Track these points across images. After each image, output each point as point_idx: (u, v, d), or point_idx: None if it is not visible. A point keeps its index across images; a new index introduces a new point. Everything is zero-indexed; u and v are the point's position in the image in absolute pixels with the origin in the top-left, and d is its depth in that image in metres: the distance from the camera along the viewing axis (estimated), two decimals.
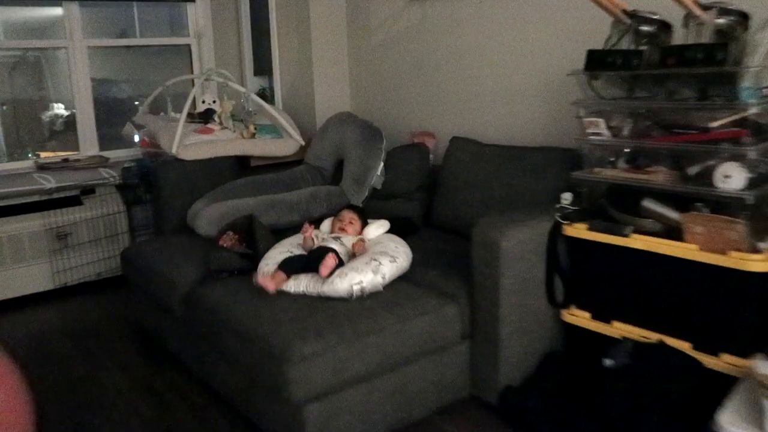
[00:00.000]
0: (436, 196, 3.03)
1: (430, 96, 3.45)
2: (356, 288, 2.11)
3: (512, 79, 2.98)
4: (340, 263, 2.22)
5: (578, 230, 2.14)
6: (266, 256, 2.38)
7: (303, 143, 3.64)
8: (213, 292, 2.36)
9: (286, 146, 3.61)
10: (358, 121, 3.42)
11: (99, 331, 3.21)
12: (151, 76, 4.20)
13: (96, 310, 3.48)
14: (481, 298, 2.17)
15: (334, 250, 2.25)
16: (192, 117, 3.62)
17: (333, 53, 3.91)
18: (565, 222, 2.17)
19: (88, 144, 4.09)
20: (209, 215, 2.96)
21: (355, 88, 3.97)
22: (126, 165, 3.85)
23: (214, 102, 3.63)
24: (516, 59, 2.95)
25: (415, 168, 3.18)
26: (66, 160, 3.94)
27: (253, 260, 2.52)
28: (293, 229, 2.99)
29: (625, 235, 2.01)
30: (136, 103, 4.41)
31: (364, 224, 2.54)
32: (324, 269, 2.11)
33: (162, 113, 4.05)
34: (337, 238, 2.39)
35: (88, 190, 3.75)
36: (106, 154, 4.07)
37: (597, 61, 2.03)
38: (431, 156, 3.23)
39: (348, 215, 2.53)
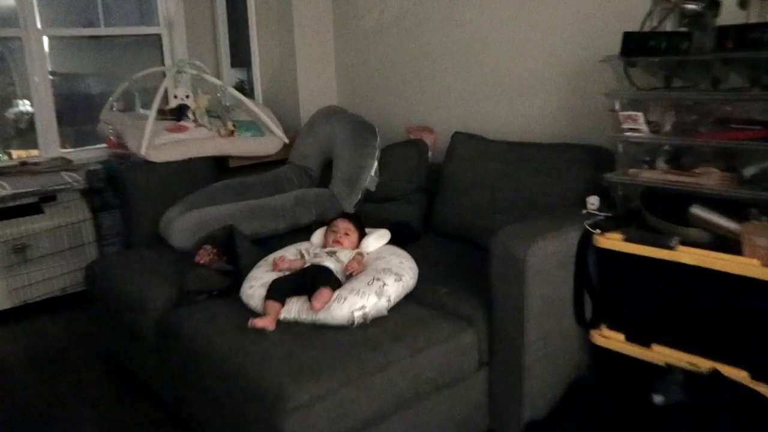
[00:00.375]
0: (437, 199, 2.73)
1: (427, 86, 3.14)
2: (358, 315, 1.81)
3: (522, 67, 2.68)
4: (337, 283, 1.92)
5: (612, 241, 1.85)
6: (250, 276, 2.06)
7: (287, 141, 3.32)
8: (190, 317, 2.04)
9: (268, 145, 3.30)
10: (348, 115, 3.10)
11: (63, 357, 2.87)
12: (125, 70, 3.85)
13: (60, 332, 3.13)
14: (501, 321, 1.88)
15: (329, 270, 1.94)
16: (163, 114, 3.28)
17: (318, 41, 3.58)
18: (595, 231, 1.88)
19: (49, 145, 3.72)
20: (184, 225, 2.64)
21: (343, 80, 3.65)
22: (91, 168, 3.50)
23: (187, 97, 3.29)
24: (527, 44, 2.64)
25: (412, 167, 2.87)
26: (24, 163, 3.57)
27: (234, 278, 2.21)
28: (277, 238, 2.70)
29: (671, 248, 1.73)
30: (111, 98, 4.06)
31: (362, 235, 2.24)
32: (317, 303, 1.81)
33: (131, 110, 3.71)
34: (331, 254, 2.08)
35: (49, 197, 3.39)
36: (71, 154, 3.71)
37: (636, 46, 1.74)
38: (430, 153, 2.92)
39: (343, 226, 2.22)
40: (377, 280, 1.90)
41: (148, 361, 2.31)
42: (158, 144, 3.00)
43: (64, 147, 3.80)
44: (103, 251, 3.55)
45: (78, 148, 3.84)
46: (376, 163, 2.89)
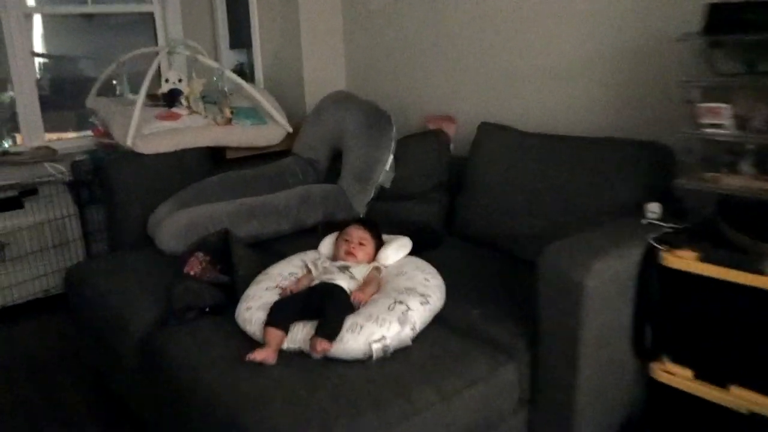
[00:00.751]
0: (461, 198, 2.41)
1: (448, 71, 2.80)
2: (377, 347, 1.50)
3: (561, 47, 2.34)
4: (350, 308, 1.60)
5: (684, 260, 1.53)
6: (247, 294, 1.75)
7: (290, 130, 3.00)
8: (177, 342, 1.73)
9: (269, 134, 2.98)
10: (360, 102, 2.77)
11: (41, 371, 2.57)
12: (119, 52, 3.54)
13: (40, 341, 2.84)
14: (549, 354, 1.57)
15: (341, 290, 1.63)
16: (154, 99, 2.96)
17: (325, 19, 3.25)
18: (662, 248, 1.56)
19: (33, 132, 3.40)
20: (174, 227, 2.33)
21: (352, 62, 3.31)
22: (77, 158, 3.19)
23: (180, 81, 2.96)
24: (567, 19, 2.30)
25: (432, 161, 2.55)
26: (5, 153, 3.26)
27: (229, 292, 1.90)
28: (281, 240, 2.40)
29: (763, 273, 1.41)
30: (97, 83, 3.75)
31: (379, 245, 1.92)
32: (315, 352, 1.51)
33: (119, 95, 3.39)
34: (344, 269, 1.76)
35: (30, 190, 3.08)
36: (58, 143, 3.39)
37: (726, 21, 1.41)
38: (451, 146, 2.60)
39: (357, 234, 1.91)
40: (399, 304, 1.58)
41: (132, 383, 2.00)
42: (147, 133, 2.69)
43: (65, 131, 3.49)
44: (91, 249, 3.25)
45: (70, 133, 3.53)
46: (391, 157, 2.56)
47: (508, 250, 2.16)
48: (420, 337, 1.60)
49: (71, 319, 2.51)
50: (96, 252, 3.23)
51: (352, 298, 1.63)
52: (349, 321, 1.53)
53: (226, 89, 3.09)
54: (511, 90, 2.54)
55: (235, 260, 1.95)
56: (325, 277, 1.71)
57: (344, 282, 1.69)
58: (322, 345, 1.48)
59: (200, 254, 2.01)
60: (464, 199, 2.40)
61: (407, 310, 1.57)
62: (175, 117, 2.83)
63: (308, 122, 2.93)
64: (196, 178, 2.66)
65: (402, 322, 1.54)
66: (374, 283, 1.72)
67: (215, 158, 2.87)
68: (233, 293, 1.89)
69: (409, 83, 2.99)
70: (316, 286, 1.69)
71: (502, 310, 1.75)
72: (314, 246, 2.05)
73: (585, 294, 1.46)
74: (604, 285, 1.48)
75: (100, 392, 2.38)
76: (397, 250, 1.89)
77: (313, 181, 2.83)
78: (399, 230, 2.23)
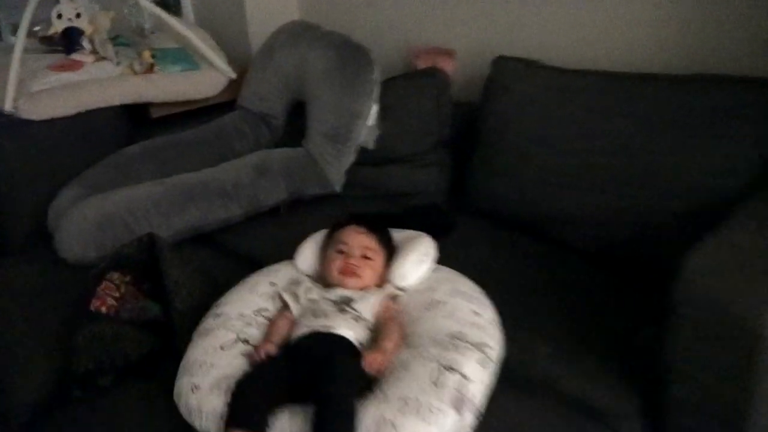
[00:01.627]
0: (475, 161, 1.79)
1: None
2: None
3: None
4: (362, 379, 0.98)
5: None
6: (191, 360, 1.08)
7: (233, 76, 2.33)
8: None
9: (205, 83, 2.29)
10: (326, 35, 2.08)
11: None
12: None
13: None
14: (693, 424, 0.98)
15: (344, 346, 1.01)
16: (48, 43, 2.21)
17: None
18: None
19: None
20: (77, 225, 1.67)
21: None
22: None
23: (78, 16, 2.19)
24: None
25: (429, 112, 1.93)
26: None
27: (165, 332, 1.26)
28: (232, 231, 1.77)
29: None
30: None
31: (389, 254, 1.28)
32: None
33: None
34: (343, 303, 1.12)
35: None
36: None
37: None
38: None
39: (358, 241, 1.25)
40: (449, 371, 0.95)
41: None
42: (36, 91, 1.97)
43: None
44: None
45: None
46: (375, 107, 1.91)
47: (546, 231, 1.57)
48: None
49: None
50: None
51: (364, 363, 1.00)
52: (370, 416, 0.90)
53: (145, 26, 2.39)
54: (532, 9, 1.88)
55: (170, 285, 1.29)
56: (316, 324, 1.07)
57: (347, 328, 1.05)
58: None
59: (115, 275, 1.35)
60: (478, 162, 1.77)
61: (463, 382, 0.95)
62: (76, 66, 2.11)
63: (256, 65, 2.23)
64: (110, 149, 1.99)
65: (459, 405, 0.92)
66: (394, 327, 1.09)
67: (135, 120, 2.18)
68: (170, 334, 1.25)
69: (388, 5, 2.28)
70: (303, 343, 1.04)
71: (578, 342, 1.16)
72: (279, 239, 1.45)
73: (762, 341, 0.87)
74: None
75: None
76: (418, 263, 1.24)
77: (269, 144, 2.17)
78: (392, 213, 1.63)
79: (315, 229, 1.52)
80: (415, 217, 1.66)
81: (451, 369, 0.96)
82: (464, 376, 0.95)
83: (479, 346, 1.01)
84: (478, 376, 0.97)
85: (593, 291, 1.32)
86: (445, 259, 1.31)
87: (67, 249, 1.64)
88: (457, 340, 1.02)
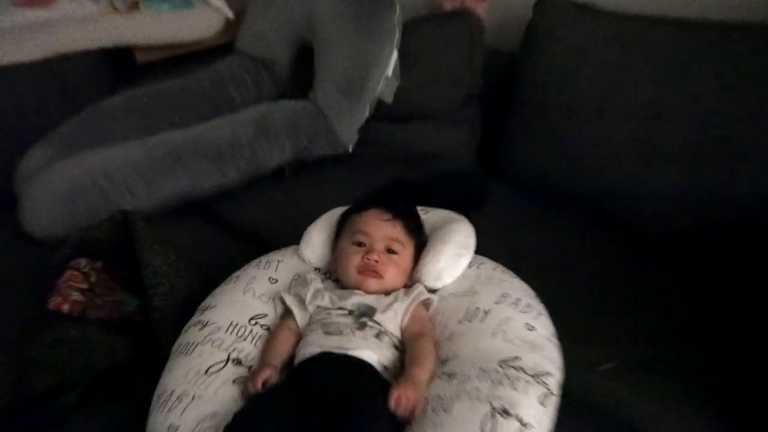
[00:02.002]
0: (512, 122, 1.53)
1: None
2: None
3: None
4: (388, 419, 0.74)
5: None
6: (169, 388, 0.85)
7: (230, 16, 2.05)
8: None
9: (198, 23, 2.01)
10: None
11: None
12: None
13: None
14: None
15: (365, 380, 0.77)
16: None
17: None
18: None
19: None
20: (46, 194, 1.44)
21: None
22: None
23: None
24: None
25: (459, 60, 1.68)
26: None
27: (141, 332, 1.04)
28: (227, 199, 1.57)
29: None
30: None
31: (420, 244, 1.02)
32: None
33: None
34: (363, 316, 0.87)
35: None
36: None
37: None
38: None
39: (383, 231, 0.98)
40: (504, 416, 0.71)
41: None
42: None
43: None
44: None
45: None
46: (395, 54, 1.64)
47: (604, 213, 1.32)
48: None
49: None
50: None
51: (392, 401, 0.76)
52: None
53: None
54: None
55: (148, 278, 1.05)
56: (328, 343, 0.83)
57: (368, 349, 0.81)
58: None
59: (83, 262, 1.11)
60: (516, 123, 1.51)
61: (523, 426, 0.71)
62: (46, 2, 1.84)
63: (257, 2, 1.94)
64: (87, 101, 1.73)
65: None
66: (428, 347, 0.84)
67: (117, 66, 1.92)
68: (149, 335, 1.03)
69: None
70: (312, 368, 0.81)
71: (654, 359, 0.92)
72: (284, 207, 1.30)
73: None
74: None
75: None
76: (456, 258, 0.97)
77: (271, 95, 1.90)
78: (415, 181, 1.39)
79: (325, 196, 1.29)
80: (443, 187, 1.41)
81: (505, 413, 0.72)
82: (522, 423, 0.71)
83: (539, 377, 0.76)
84: (539, 420, 0.73)
85: (668, 291, 1.08)
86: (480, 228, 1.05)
87: (32, 221, 1.40)
88: (511, 369, 0.78)
